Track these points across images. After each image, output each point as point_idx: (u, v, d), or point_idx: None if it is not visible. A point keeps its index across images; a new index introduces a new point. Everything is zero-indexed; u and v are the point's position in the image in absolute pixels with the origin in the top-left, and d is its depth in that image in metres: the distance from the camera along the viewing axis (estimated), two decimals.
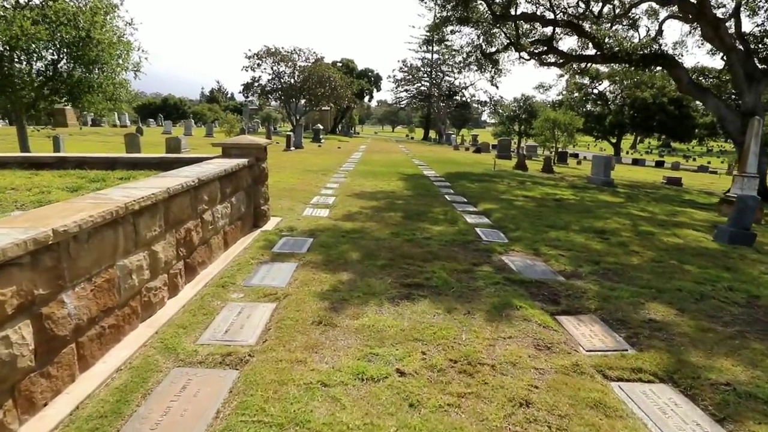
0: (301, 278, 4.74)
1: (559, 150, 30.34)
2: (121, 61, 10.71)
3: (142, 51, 11.55)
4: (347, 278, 4.77)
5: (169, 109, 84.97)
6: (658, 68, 20.54)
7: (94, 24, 9.44)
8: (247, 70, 45.12)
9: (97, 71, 10.70)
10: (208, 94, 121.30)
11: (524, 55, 20.43)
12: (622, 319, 4.08)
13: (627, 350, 3.52)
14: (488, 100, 61.54)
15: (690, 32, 20.61)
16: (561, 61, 20.25)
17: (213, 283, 4.53)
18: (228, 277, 4.72)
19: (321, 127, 36.69)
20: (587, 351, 3.49)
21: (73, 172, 6.09)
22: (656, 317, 4.16)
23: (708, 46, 19.54)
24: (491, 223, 7.90)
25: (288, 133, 26.34)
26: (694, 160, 66.16)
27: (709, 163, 53.05)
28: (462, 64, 25.61)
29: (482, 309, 4.11)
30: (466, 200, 10.25)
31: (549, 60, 20.82)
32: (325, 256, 5.46)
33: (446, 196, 10.62)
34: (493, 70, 21.37)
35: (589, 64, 22.81)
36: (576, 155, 37.57)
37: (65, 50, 10.00)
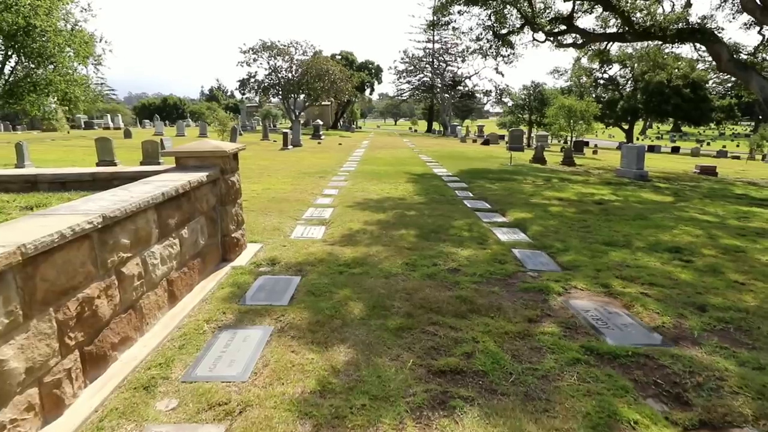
0: (274, 362, 3.07)
1: (575, 139, 28.50)
2: (74, 54, 9.03)
3: (105, 42, 9.86)
4: (345, 360, 3.09)
5: (168, 109, 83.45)
6: (675, 48, 18.68)
7: (36, 9, 7.74)
8: (242, 66, 43.43)
9: (50, 67, 9.02)
10: (207, 92, 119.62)
11: (539, 36, 18.58)
12: None
13: None
14: (494, 88, 59.51)
15: (720, 5, 18.69)
16: (580, 41, 18.37)
17: (133, 379, 2.88)
18: (162, 363, 3.06)
19: (321, 123, 34.97)
20: None
21: None
22: None
23: (742, 19, 17.65)
24: (531, 241, 6.20)
25: (285, 130, 24.65)
26: (708, 144, 64.00)
27: (724, 147, 50.89)
28: (470, 50, 23.77)
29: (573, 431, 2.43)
30: (490, 207, 8.53)
31: (566, 41, 18.95)
32: (314, 313, 3.79)
33: (466, 202, 8.90)
34: (507, 52, 19.51)
35: (608, 45, 20.88)
36: (587, 143, 35.46)
37: (1, 41, 8.35)
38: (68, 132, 31.30)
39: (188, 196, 4.18)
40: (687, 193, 11.25)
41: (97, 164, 12.46)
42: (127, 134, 25.00)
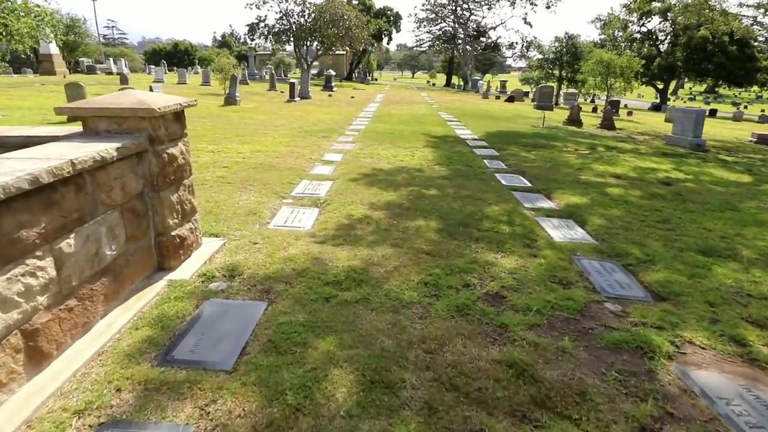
0: None
1: (610, 99, 25.92)
2: None
3: None
4: None
5: (180, 55, 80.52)
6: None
7: None
8: (251, 8, 40.53)
9: None
10: (220, 38, 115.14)
11: None
12: None
13: None
14: (520, 40, 55.57)
15: None
16: None
17: None
18: None
19: (333, 74, 32.57)
20: None
21: None
22: None
23: None
24: (594, 242, 4.52)
25: (293, 80, 22.56)
26: (746, 107, 59.99)
27: (763, 111, 47.21)
28: None
29: None
30: (530, 185, 6.79)
31: None
32: (266, 400, 2.22)
33: (499, 177, 7.15)
34: None
35: None
36: (618, 103, 32.26)
37: None
38: (64, 77, 29.52)
39: (77, 184, 2.56)
40: (763, 170, 9.30)
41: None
42: (124, 80, 23.17)
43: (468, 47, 57.07)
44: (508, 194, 6.16)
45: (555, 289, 3.47)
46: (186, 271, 3.53)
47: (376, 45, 61.12)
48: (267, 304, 3.11)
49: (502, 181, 6.89)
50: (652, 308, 3.26)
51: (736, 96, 79.46)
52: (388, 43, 73.11)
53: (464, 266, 3.75)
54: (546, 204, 5.81)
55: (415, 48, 70.80)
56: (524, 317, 3.02)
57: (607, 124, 16.57)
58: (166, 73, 37.17)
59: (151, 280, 3.37)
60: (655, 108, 43.21)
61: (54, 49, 34.41)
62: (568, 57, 32.78)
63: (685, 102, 60.98)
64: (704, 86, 74.74)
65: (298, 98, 21.28)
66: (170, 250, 3.50)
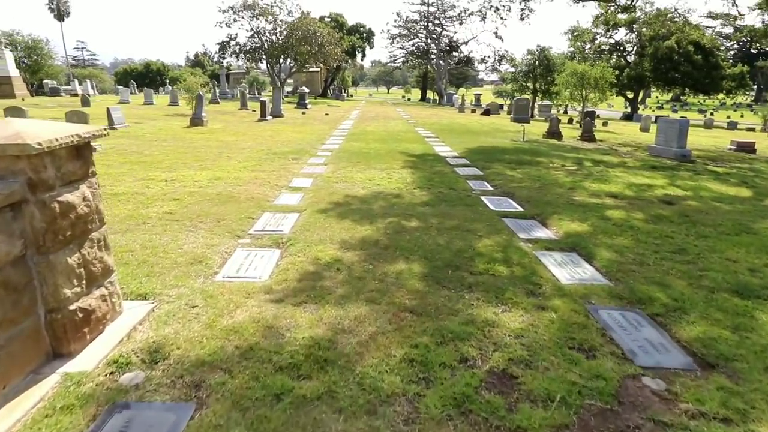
0: None
1: (585, 110, 25.85)
2: None
3: None
4: None
5: (152, 75, 78.89)
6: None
7: None
8: (221, 27, 39.76)
9: None
10: (192, 58, 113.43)
11: None
12: None
13: None
14: (492, 54, 56.10)
15: None
16: None
17: None
18: None
19: (307, 91, 31.85)
20: None
21: None
22: None
23: None
24: (608, 283, 3.80)
25: (264, 98, 21.72)
26: (712, 114, 61.70)
27: (729, 117, 48.40)
28: (467, 12, 20.81)
29: None
30: (522, 209, 6.09)
31: None
32: None
33: (487, 202, 6.44)
34: (522, 5, 16.63)
35: (634, 1, 18.02)
36: (593, 113, 32.31)
37: None
38: (23, 99, 28.04)
39: None
40: (757, 182, 8.86)
41: None
42: (85, 102, 21.98)
43: (441, 62, 57.36)
44: (500, 222, 5.43)
45: (576, 359, 2.70)
46: (91, 357, 2.64)
47: (350, 61, 60.93)
48: (194, 408, 2.25)
49: (491, 206, 6.17)
50: (703, 384, 2.52)
51: (701, 104, 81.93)
52: (362, 60, 73.17)
53: (459, 330, 2.96)
54: (543, 233, 5.10)
55: (389, 64, 70.92)
56: (546, 413, 2.24)
57: (587, 136, 16.22)
58: (133, 93, 35.96)
59: (40, 374, 2.47)
60: (627, 117, 43.80)
61: (13, 71, 32.90)
62: (541, 69, 32.86)
63: (653, 110, 62.29)
64: (670, 95, 76.78)
65: (270, 117, 20.45)
66: (69, 329, 2.61)
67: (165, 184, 7.00)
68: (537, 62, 33.13)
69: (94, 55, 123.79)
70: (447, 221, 5.36)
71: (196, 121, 15.90)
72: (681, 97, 78.43)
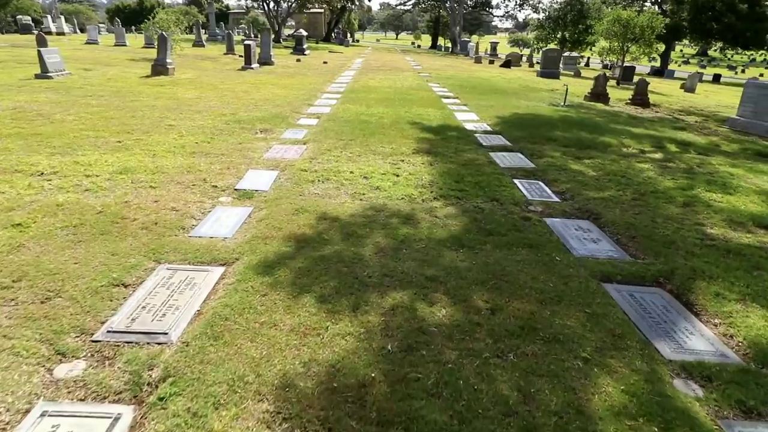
0: None
1: (625, 65, 22.35)
2: None
3: None
4: None
5: (146, 13, 73.59)
6: None
7: None
8: None
9: None
10: None
11: None
12: None
13: None
14: None
15: None
16: None
17: None
18: None
19: (305, 34, 28.11)
20: None
21: None
22: None
23: None
24: None
25: (249, 41, 18.36)
26: (743, 71, 57.07)
27: (761, 75, 44.18)
28: None
29: None
30: (631, 259, 3.39)
31: None
32: None
33: (563, 235, 3.72)
34: None
35: None
36: (633, 69, 28.17)
37: None
38: None
39: None
40: None
41: None
42: (42, 42, 18.80)
43: (456, 5, 52.17)
44: (606, 299, 2.77)
45: None
46: None
47: (356, 3, 55.72)
48: None
49: (574, 248, 3.48)
50: None
51: (729, 59, 76.20)
52: (370, 1, 67.42)
53: None
54: (698, 340, 2.44)
55: (399, 6, 65.20)
56: None
57: (640, 99, 13.12)
58: (100, 33, 32.22)
59: None
60: (656, 73, 39.53)
61: None
62: (573, 15, 28.77)
63: (679, 65, 57.51)
64: (697, 49, 70.92)
65: (256, 65, 17.27)
66: None
67: (31, 181, 4.31)
68: (569, 7, 28.93)
69: None
70: (503, 301, 2.70)
71: (159, 68, 12.85)
72: (707, 52, 72.77)
